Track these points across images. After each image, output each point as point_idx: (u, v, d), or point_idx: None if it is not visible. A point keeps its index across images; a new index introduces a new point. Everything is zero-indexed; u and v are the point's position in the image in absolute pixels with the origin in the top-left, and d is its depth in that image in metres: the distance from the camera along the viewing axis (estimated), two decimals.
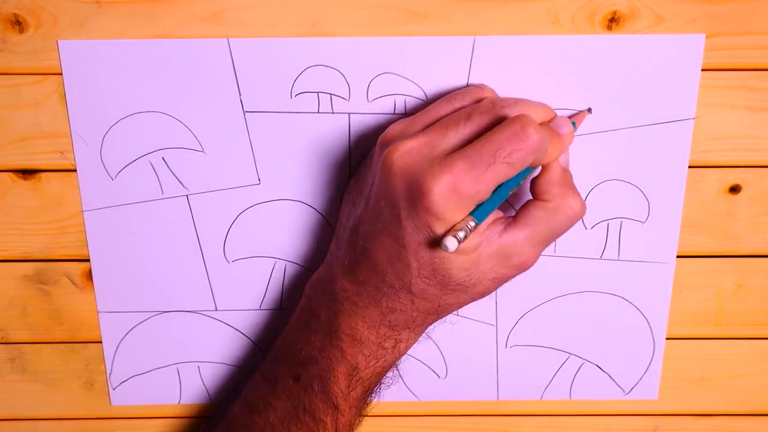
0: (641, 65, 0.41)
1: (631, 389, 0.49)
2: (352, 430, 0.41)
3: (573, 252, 0.45)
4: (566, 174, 0.38)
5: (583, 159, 0.43)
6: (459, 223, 0.35)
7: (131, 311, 0.46)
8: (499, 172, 0.35)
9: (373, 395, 0.42)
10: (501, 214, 0.39)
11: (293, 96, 0.42)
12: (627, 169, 0.44)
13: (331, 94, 0.42)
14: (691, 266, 0.46)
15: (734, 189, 0.44)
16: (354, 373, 0.39)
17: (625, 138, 0.43)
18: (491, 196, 0.36)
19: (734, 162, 0.44)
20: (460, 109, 0.38)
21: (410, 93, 0.42)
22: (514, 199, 0.43)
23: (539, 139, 0.35)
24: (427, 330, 0.41)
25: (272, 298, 0.46)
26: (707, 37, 0.41)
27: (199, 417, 0.49)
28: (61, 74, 0.41)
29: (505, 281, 0.39)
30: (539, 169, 0.38)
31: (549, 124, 0.38)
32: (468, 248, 0.36)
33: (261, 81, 0.41)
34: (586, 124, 0.42)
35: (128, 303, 0.46)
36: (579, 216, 0.38)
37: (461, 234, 0.34)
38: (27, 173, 0.43)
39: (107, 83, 0.41)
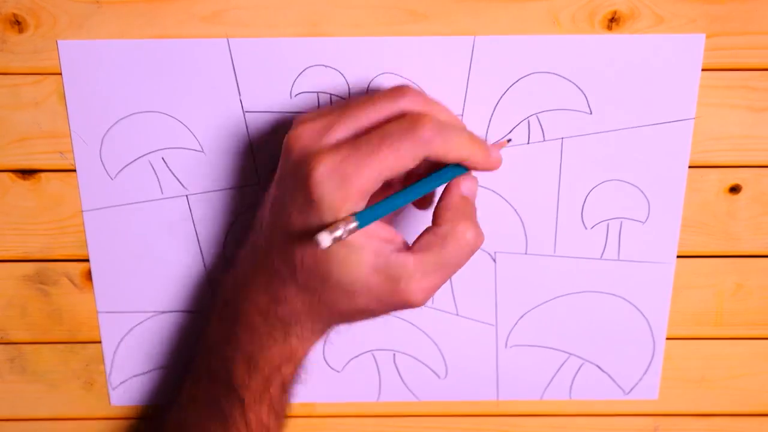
0: (641, 65, 0.41)
1: (631, 389, 0.49)
2: (269, 429, 0.40)
3: (573, 252, 0.45)
4: (465, 202, 0.37)
5: (583, 159, 0.43)
6: (340, 221, 0.34)
7: (131, 311, 0.46)
8: (385, 159, 0.34)
9: (283, 392, 0.41)
10: (400, 238, 0.37)
11: (293, 96, 0.42)
12: (627, 169, 0.44)
13: (331, 94, 0.42)
14: (691, 266, 0.46)
15: (734, 189, 0.44)
16: (250, 362, 0.39)
17: (625, 138, 0.43)
18: (384, 201, 0.35)
19: (734, 162, 0.44)
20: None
21: None
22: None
23: (432, 133, 0.34)
24: (322, 336, 0.40)
25: None
26: (707, 37, 0.41)
27: None
28: (61, 74, 0.41)
29: (391, 309, 0.37)
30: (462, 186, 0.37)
31: (482, 140, 0.38)
32: (351, 243, 0.35)
33: (261, 81, 0.41)
34: (586, 124, 0.42)
35: (128, 303, 0.46)
36: (472, 245, 0.36)
37: (338, 233, 0.33)
38: (27, 173, 0.43)
39: (107, 83, 0.41)
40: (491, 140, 0.43)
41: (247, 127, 0.42)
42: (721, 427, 0.50)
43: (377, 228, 0.36)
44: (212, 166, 0.43)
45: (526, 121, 0.42)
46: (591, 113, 0.42)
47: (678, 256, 0.46)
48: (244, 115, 0.42)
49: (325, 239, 0.33)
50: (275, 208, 0.37)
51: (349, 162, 0.34)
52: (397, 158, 0.34)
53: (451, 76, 0.41)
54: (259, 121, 0.42)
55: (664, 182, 0.44)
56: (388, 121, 0.35)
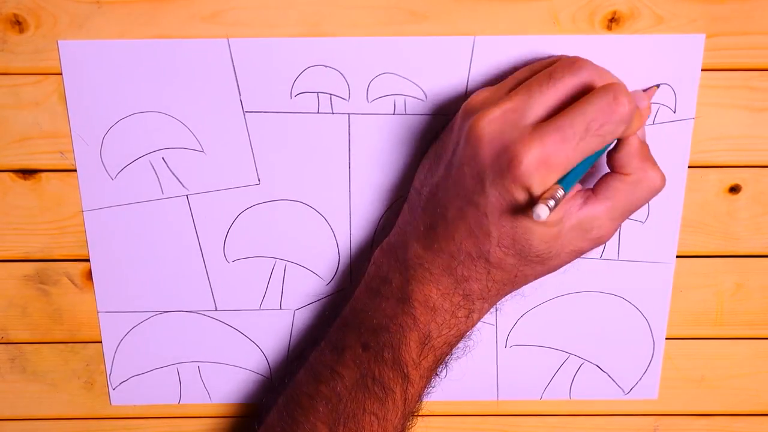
0: (641, 65, 0.41)
1: (631, 389, 0.49)
2: (420, 400, 0.41)
3: None
4: (645, 147, 0.38)
5: None
6: (548, 191, 0.34)
7: (131, 311, 0.46)
8: (590, 144, 0.35)
9: (442, 366, 0.41)
10: (580, 187, 0.38)
11: (293, 96, 0.42)
12: None
13: (330, 94, 0.42)
14: (690, 266, 0.46)
15: (734, 189, 0.44)
16: (426, 342, 0.39)
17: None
18: (577, 166, 0.35)
19: (734, 162, 0.44)
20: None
21: (410, 93, 0.42)
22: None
23: (630, 111, 0.35)
24: (500, 301, 0.40)
25: (272, 298, 0.46)
26: (707, 37, 0.41)
27: (198, 417, 0.49)
28: (61, 74, 0.41)
29: (581, 254, 0.39)
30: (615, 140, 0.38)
31: None
32: (553, 220, 0.36)
33: (261, 81, 0.41)
34: None
35: (128, 303, 0.46)
36: (659, 189, 0.38)
37: (551, 202, 0.34)
38: (27, 173, 0.43)
39: (107, 83, 0.41)
40: None
41: (247, 127, 0.42)
42: (720, 427, 0.50)
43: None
44: (212, 166, 0.43)
45: None
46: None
47: (678, 256, 0.46)
48: (244, 115, 0.42)
49: (544, 211, 0.33)
50: (465, 195, 0.36)
51: (558, 151, 0.34)
52: (600, 141, 0.35)
53: (451, 76, 0.41)
54: (259, 121, 0.42)
55: None
56: (572, 95, 0.35)
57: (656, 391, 0.49)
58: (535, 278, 0.39)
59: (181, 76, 0.41)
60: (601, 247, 0.45)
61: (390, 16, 0.40)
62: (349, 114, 0.42)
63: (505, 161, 0.35)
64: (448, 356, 0.41)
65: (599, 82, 0.36)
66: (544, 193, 0.34)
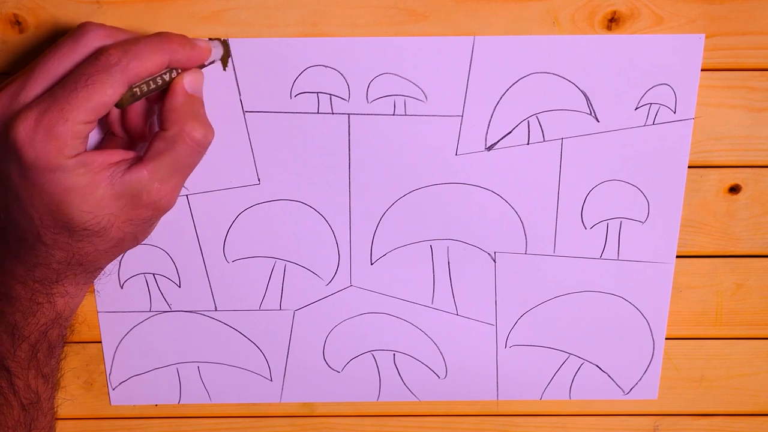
0: (641, 65, 0.41)
1: (631, 389, 0.49)
2: (38, 392, 0.40)
3: (573, 252, 0.45)
4: (191, 99, 0.37)
5: (583, 159, 0.43)
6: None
7: (131, 311, 0.46)
8: (86, 98, 0.34)
9: (51, 355, 0.40)
10: (131, 154, 0.37)
11: (293, 96, 0.42)
12: (627, 169, 0.44)
13: (330, 94, 0.42)
14: (690, 266, 0.46)
15: (734, 189, 0.44)
16: (14, 332, 0.38)
17: (624, 138, 0.43)
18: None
19: (734, 162, 0.44)
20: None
21: (410, 93, 0.42)
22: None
23: (119, 55, 0.34)
24: (91, 283, 0.40)
25: (272, 298, 0.46)
26: (707, 37, 0.41)
27: (198, 417, 0.49)
28: None
29: (145, 223, 0.38)
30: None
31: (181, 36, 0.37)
32: (83, 186, 0.35)
33: (261, 81, 0.41)
34: (586, 124, 0.42)
35: (128, 303, 0.46)
36: (201, 144, 0.36)
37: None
38: None
39: None
40: (491, 141, 0.43)
41: (247, 127, 0.42)
42: (720, 427, 0.50)
43: (106, 156, 0.36)
44: (212, 166, 0.43)
45: (525, 122, 0.42)
46: (591, 114, 0.42)
47: (677, 256, 0.46)
48: (244, 115, 0.42)
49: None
50: (1, 185, 0.36)
51: (51, 112, 0.34)
52: (97, 93, 0.34)
53: (451, 76, 0.41)
54: (259, 121, 0.42)
55: (663, 182, 0.44)
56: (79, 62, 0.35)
57: (656, 391, 0.49)
58: (109, 255, 0.38)
59: None
60: (601, 247, 0.45)
61: (390, 16, 0.40)
62: (349, 114, 0.42)
63: (6, 142, 0.34)
64: (50, 343, 0.40)
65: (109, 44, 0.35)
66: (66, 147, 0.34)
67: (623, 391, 0.49)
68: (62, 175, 0.34)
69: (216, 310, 0.47)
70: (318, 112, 0.42)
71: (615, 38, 0.41)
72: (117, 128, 0.40)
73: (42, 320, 0.39)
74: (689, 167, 0.44)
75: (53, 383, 0.41)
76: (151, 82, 0.36)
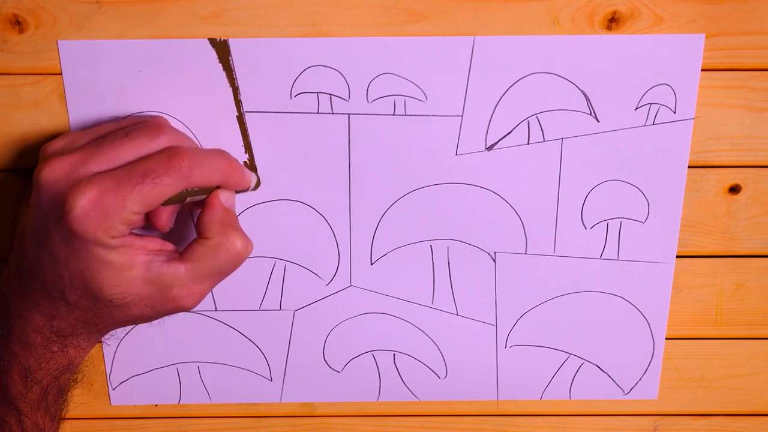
0: (641, 65, 0.41)
1: (631, 389, 0.49)
2: (45, 430, 0.41)
3: (573, 252, 0.45)
4: (228, 213, 0.39)
5: (583, 159, 0.43)
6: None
7: None
8: (147, 191, 0.35)
9: (60, 396, 0.41)
10: (170, 246, 0.39)
11: (293, 96, 0.42)
12: (627, 169, 0.44)
13: (330, 94, 0.42)
14: (690, 266, 0.46)
15: (734, 189, 0.44)
16: (28, 375, 0.39)
17: (624, 138, 0.43)
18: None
19: (734, 162, 0.44)
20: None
21: (410, 93, 0.42)
22: None
23: (189, 163, 0.36)
24: (104, 338, 0.41)
25: (272, 298, 0.46)
26: (707, 37, 0.41)
27: (198, 417, 0.49)
28: (61, 74, 0.41)
29: (165, 314, 0.39)
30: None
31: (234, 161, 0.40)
32: (119, 263, 0.37)
33: (261, 81, 0.41)
34: (586, 124, 0.42)
35: None
36: (242, 255, 0.39)
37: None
38: (27, 173, 0.43)
39: (107, 83, 0.41)
40: (491, 141, 0.43)
41: (247, 127, 0.42)
42: (720, 427, 0.50)
43: (146, 242, 0.38)
44: None
45: (525, 122, 0.42)
46: (591, 114, 0.42)
47: (677, 256, 0.46)
48: (243, 115, 0.42)
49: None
50: (38, 237, 0.37)
51: (111, 195, 0.35)
52: (158, 192, 0.36)
53: (451, 76, 0.41)
54: (259, 121, 0.42)
55: (663, 182, 0.44)
56: (145, 155, 0.37)
57: (656, 391, 0.49)
58: (124, 324, 0.40)
59: (181, 76, 0.41)
60: (601, 247, 0.45)
61: (390, 16, 0.40)
62: (349, 114, 0.42)
63: (60, 209, 0.35)
64: (60, 387, 0.41)
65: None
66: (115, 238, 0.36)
67: (623, 391, 0.49)
68: (104, 251, 0.36)
69: (216, 310, 0.47)
70: (318, 112, 0.42)
71: (615, 38, 0.41)
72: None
73: (54, 366, 0.40)
74: (689, 167, 0.44)
75: (58, 422, 0.43)
76: (200, 191, 0.38)
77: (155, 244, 0.39)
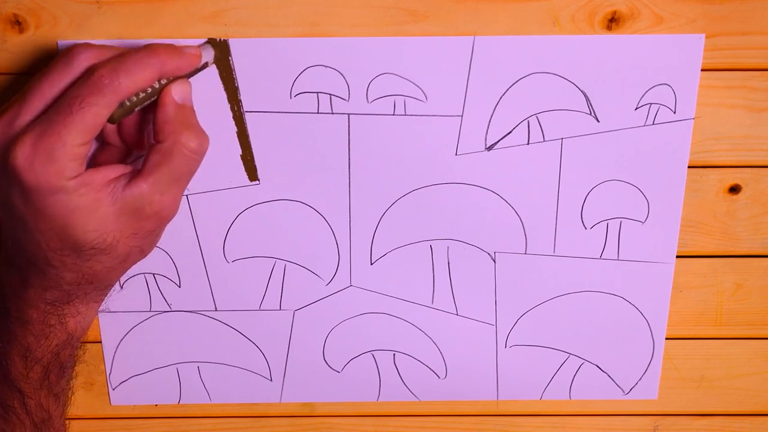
0: (641, 65, 0.41)
1: (631, 389, 0.49)
2: (50, 411, 0.41)
3: (573, 252, 0.45)
4: (180, 109, 0.37)
5: (583, 159, 0.43)
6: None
7: (131, 311, 0.46)
8: (80, 118, 0.34)
9: (62, 375, 0.41)
10: (129, 168, 0.37)
11: (293, 96, 0.42)
12: (627, 169, 0.44)
13: (330, 94, 0.42)
14: (690, 266, 0.46)
15: (734, 189, 0.44)
16: (27, 355, 0.39)
17: (624, 138, 0.43)
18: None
19: (734, 162, 0.44)
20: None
21: (410, 93, 0.42)
22: None
23: (108, 74, 0.34)
24: (102, 301, 0.40)
25: (272, 298, 0.46)
26: (707, 37, 0.41)
27: (198, 417, 0.49)
28: None
29: (150, 235, 0.38)
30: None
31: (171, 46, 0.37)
32: (85, 206, 0.35)
33: (261, 81, 0.41)
34: (585, 124, 0.42)
35: (128, 303, 0.46)
36: (197, 153, 0.37)
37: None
38: None
39: None
40: (491, 141, 0.43)
41: (247, 127, 0.42)
42: (720, 427, 0.50)
43: (104, 173, 0.36)
44: (212, 166, 0.43)
45: (525, 122, 0.42)
46: (591, 114, 0.42)
47: (677, 256, 0.46)
48: (243, 115, 0.42)
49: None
50: (4, 208, 0.37)
51: (48, 136, 0.34)
52: (91, 115, 0.34)
53: (451, 76, 0.41)
54: (259, 121, 0.42)
55: (663, 182, 0.44)
56: (72, 83, 0.35)
57: (656, 391, 0.49)
58: (117, 272, 0.39)
59: None
60: (601, 247, 0.45)
61: (390, 16, 0.40)
62: (349, 114, 0.42)
63: (6, 166, 0.35)
64: (61, 364, 0.40)
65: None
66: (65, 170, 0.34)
67: (623, 391, 0.49)
68: (64, 197, 0.35)
69: (216, 310, 0.47)
70: (318, 112, 0.42)
71: (615, 38, 0.41)
72: (113, 139, 0.40)
73: (54, 342, 0.39)
74: (689, 167, 0.44)
75: (64, 401, 0.42)
76: (140, 93, 0.36)
77: (114, 171, 0.37)
